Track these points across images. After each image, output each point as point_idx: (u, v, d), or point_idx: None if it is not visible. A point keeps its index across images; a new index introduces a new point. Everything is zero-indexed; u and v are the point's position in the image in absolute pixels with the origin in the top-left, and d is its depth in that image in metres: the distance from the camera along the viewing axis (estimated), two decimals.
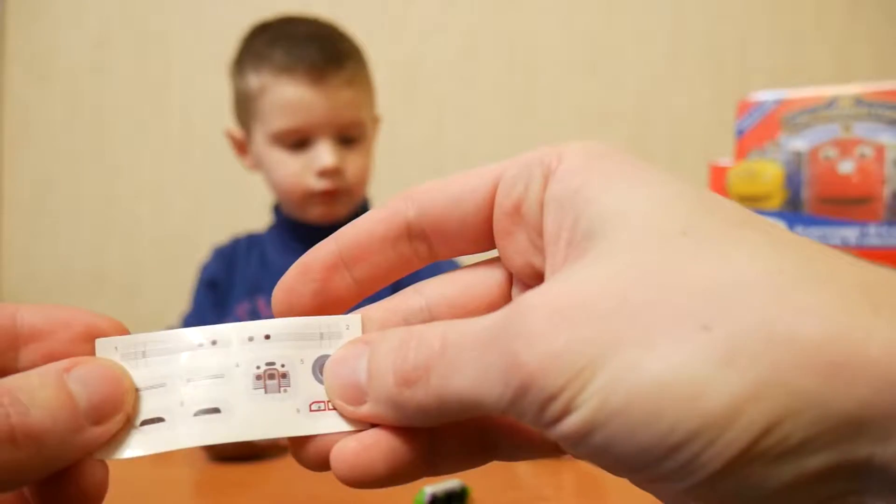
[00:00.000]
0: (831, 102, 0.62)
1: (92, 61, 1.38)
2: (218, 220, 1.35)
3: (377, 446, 0.20)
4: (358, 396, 0.20)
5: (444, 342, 0.18)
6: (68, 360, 0.19)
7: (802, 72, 1.28)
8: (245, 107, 0.93)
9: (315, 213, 0.92)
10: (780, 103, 0.64)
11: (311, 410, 0.20)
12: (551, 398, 0.16)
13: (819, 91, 0.63)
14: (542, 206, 0.20)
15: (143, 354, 0.21)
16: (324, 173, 0.88)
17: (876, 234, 0.58)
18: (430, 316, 0.22)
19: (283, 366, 0.20)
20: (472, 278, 0.23)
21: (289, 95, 0.87)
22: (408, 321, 0.22)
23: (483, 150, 1.32)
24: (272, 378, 0.20)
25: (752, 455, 0.15)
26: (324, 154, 0.87)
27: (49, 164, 1.39)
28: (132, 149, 1.38)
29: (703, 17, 1.30)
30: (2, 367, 0.19)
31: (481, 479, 0.55)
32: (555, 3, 1.32)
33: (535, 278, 0.21)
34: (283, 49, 0.88)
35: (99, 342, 0.20)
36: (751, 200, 0.64)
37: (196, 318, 1.00)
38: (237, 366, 0.20)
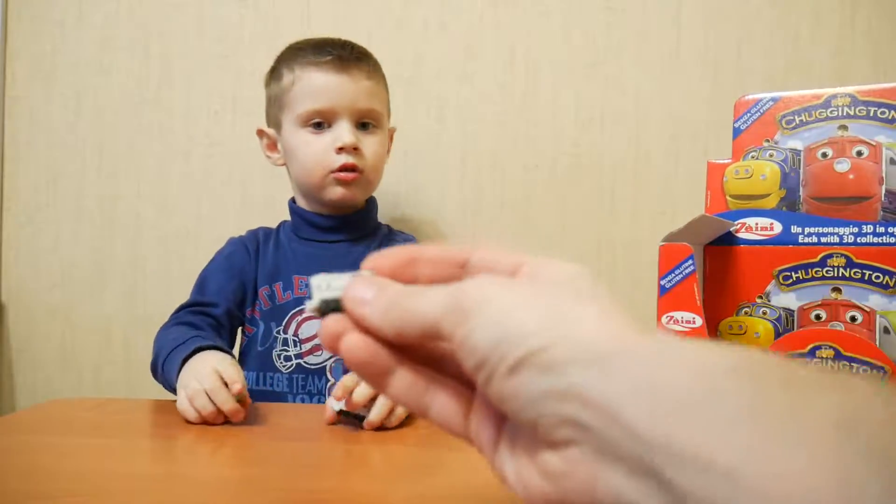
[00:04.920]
0: (828, 102, 0.62)
1: (95, 61, 1.39)
2: (221, 218, 1.35)
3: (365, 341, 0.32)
4: (362, 302, 0.32)
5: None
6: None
7: (799, 71, 1.28)
8: (277, 102, 1.04)
9: (334, 195, 1.02)
10: (777, 103, 0.64)
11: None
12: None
13: (815, 90, 0.63)
14: None
15: None
16: (343, 149, 1.00)
17: (872, 233, 0.59)
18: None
19: None
20: None
21: (316, 81, 1.01)
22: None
23: (483, 149, 1.33)
24: None
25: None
26: (343, 132, 1.00)
27: (52, 163, 1.40)
28: (135, 148, 1.38)
29: (701, 17, 1.30)
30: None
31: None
32: (555, 3, 1.33)
33: None
34: (311, 47, 1.03)
35: None
36: (748, 199, 0.65)
37: (222, 266, 1.04)
38: None
